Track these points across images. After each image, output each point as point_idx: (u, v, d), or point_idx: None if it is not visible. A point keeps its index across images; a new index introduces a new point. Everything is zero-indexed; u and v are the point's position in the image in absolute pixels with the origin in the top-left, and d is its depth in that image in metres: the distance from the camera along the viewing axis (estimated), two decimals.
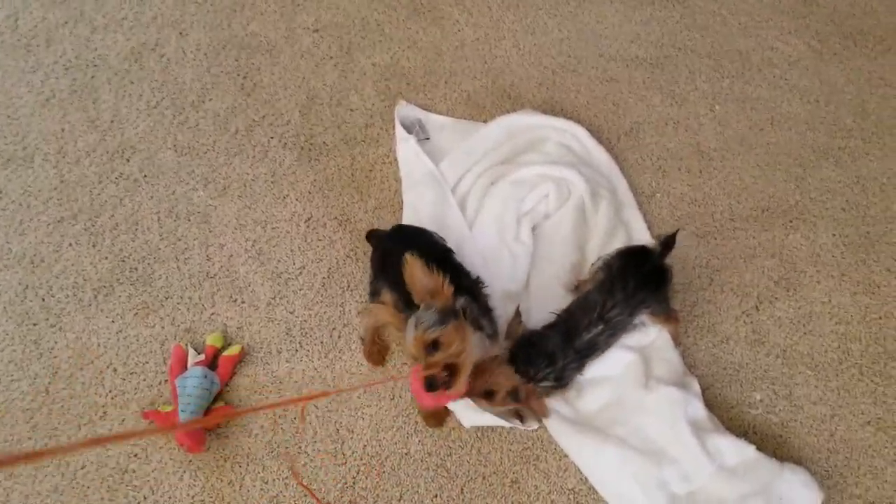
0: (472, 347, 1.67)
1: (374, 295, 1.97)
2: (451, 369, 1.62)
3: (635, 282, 1.87)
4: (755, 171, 2.45)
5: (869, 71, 2.67)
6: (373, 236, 2.19)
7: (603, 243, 2.23)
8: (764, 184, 2.43)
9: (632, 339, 2.08)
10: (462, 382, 1.65)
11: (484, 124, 2.43)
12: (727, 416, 2.08)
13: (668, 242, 1.94)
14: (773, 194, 2.41)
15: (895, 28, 2.77)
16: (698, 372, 2.12)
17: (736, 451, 1.96)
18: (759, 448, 1.97)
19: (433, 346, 1.60)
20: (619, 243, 2.22)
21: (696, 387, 2.07)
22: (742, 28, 2.74)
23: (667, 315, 2.04)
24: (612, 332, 1.90)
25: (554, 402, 2.03)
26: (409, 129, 2.38)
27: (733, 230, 2.34)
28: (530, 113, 2.46)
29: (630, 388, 2.04)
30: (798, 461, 1.98)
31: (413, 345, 1.61)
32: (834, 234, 2.34)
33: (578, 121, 2.45)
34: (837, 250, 2.31)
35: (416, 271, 1.62)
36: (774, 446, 2.04)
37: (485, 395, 1.78)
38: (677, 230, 1.98)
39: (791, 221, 2.36)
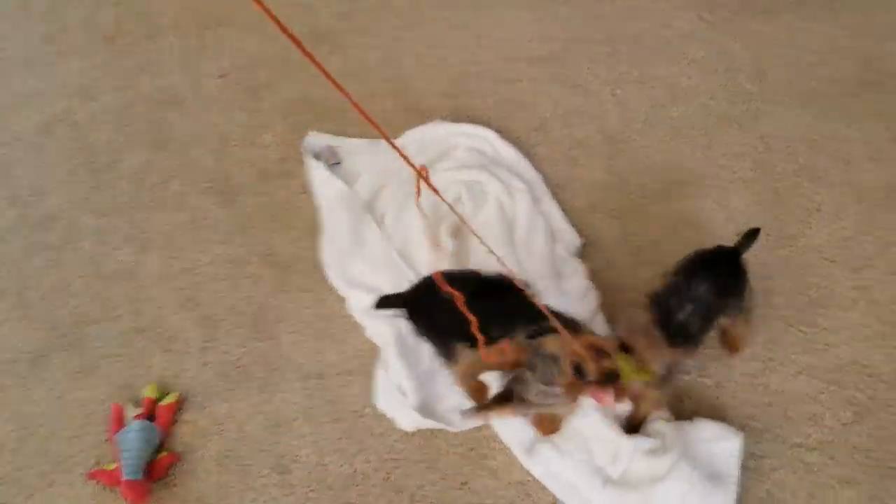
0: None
1: (449, 357, 1.91)
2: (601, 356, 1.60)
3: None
4: (661, 147, 2.51)
5: (762, 34, 2.74)
6: (390, 303, 2.04)
7: (526, 235, 2.28)
8: (672, 157, 2.49)
9: None
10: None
11: (395, 141, 2.48)
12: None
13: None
14: (682, 165, 2.47)
15: None
16: None
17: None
18: (695, 412, 2.00)
19: (577, 370, 1.58)
20: (541, 233, 2.27)
21: None
22: (633, 11, 2.82)
23: None
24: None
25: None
26: (318, 156, 2.43)
27: (646, 206, 2.39)
28: (439, 123, 2.52)
29: None
30: (734, 418, 2.01)
31: (568, 390, 1.60)
32: (744, 197, 2.40)
33: (488, 124, 2.51)
34: (749, 210, 2.37)
35: (484, 364, 1.65)
36: (710, 408, 2.07)
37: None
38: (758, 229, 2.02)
39: (701, 190, 2.42)
